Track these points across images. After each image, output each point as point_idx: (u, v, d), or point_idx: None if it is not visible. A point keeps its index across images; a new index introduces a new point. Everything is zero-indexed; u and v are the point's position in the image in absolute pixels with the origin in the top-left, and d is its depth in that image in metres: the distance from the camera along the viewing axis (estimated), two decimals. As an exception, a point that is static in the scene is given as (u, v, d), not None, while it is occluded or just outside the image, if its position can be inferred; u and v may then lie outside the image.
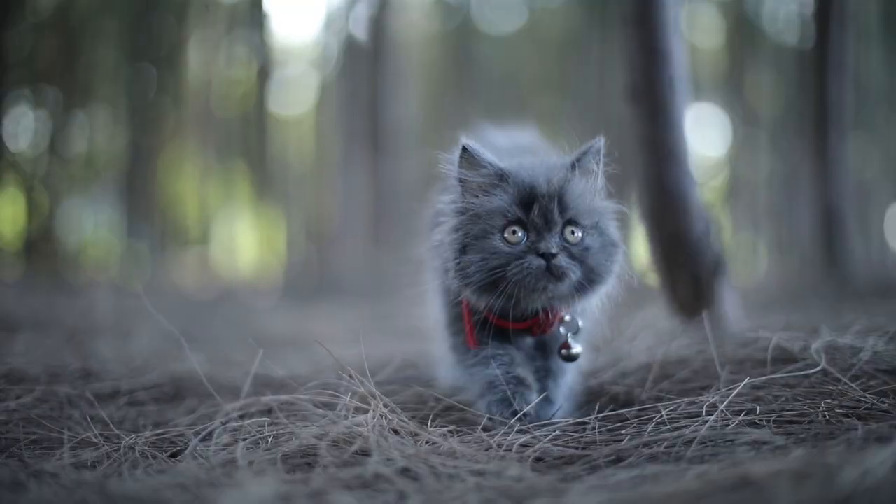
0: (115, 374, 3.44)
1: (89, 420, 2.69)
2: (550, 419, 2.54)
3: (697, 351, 3.07)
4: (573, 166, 2.42)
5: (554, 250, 2.30)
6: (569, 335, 2.56)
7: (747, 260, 17.99)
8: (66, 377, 3.33)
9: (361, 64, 15.09)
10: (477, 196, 2.41)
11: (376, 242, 14.00)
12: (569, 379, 2.68)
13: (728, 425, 2.29)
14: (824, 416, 2.32)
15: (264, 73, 17.30)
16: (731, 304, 3.93)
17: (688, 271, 3.86)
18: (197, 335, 5.50)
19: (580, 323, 2.57)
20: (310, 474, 1.99)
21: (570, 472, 2.12)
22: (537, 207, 2.33)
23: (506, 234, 2.34)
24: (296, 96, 18.41)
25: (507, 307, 2.38)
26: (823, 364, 2.67)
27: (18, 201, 14.51)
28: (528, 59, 20.34)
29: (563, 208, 2.35)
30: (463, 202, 2.44)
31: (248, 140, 17.69)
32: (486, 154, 2.42)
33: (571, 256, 2.33)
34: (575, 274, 2.33)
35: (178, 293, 12.27)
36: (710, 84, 18.46)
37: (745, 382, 2.52)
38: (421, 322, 3.10)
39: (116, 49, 16.19)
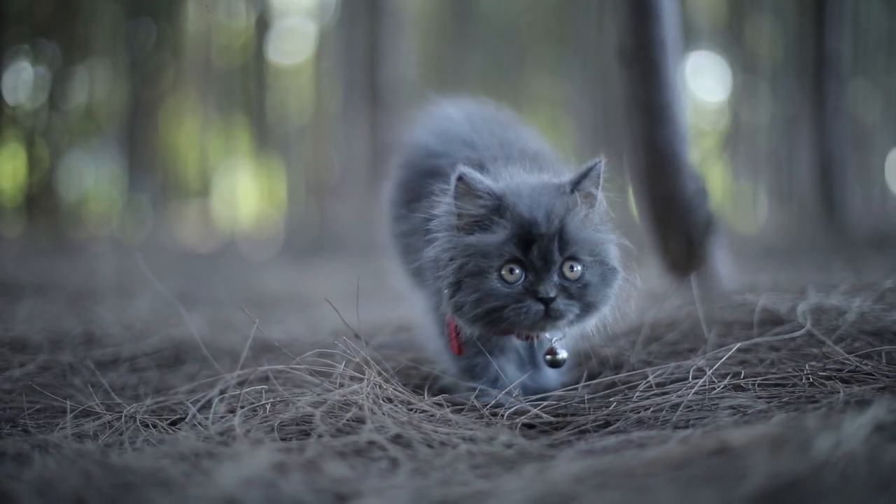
0: (117, 340, 3.50)
1: (91, 388, 2.75)
2: (542, 389, 2.58)
3: (687, 312, 3.12)
4: (573, 192, 2.28)
5: (553, 294, 2.20)
6: (554, 340, 2.48)
7: (747, 208, 18.01)
8: (68, 344, 3.39)
9: (359, 13, 15.03)
10: (470, 230, 2.29)
11: (376, 196, 14.00)
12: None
13: (714, 389, 2.35)
14: (808, 379, 2.37)
15: (263, 24, 17.26)
16: (723, 262, 3.99)
17: (680, 231, 3.91)
18: (197, 294, 5.56)
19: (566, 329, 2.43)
20: (305, 443, 2.04)
21: (559, 437, 2.19)
22: (537, 248, 2.20)
23: (503, 273, 2.22)
24: (294, 46, 18.35)
25: (503, 334, 2.41)
26: (808, 326, 2.72)
27: (19, 156, 14.51)
28: (527, 8, 20.22)
29: (563, 246, 2.22)
30: (459, 235, 2.31)
31: (248, 91, 17.68)
32: (484, 183, 2.27)
33: (570, 295, 2.23)
34: (572, 312, 2.24)
35: (178, 248, 12.33)
36: (709, 30, 18.40)
37: (734, 349, 2.56)
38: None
39: (115, 2, 16.14)
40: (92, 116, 15.90)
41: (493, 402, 2.42)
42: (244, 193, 18.41)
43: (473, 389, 2.50)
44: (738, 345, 2.60)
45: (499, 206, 2.26)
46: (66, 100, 15.11)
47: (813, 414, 2.00)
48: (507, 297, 2.21)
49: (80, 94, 15.50)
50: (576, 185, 2.29)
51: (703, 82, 18.71)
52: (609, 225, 2.39)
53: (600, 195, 2.34)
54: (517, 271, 2.22)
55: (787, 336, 2.71)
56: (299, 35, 18.37)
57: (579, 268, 2.24)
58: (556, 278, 2.22)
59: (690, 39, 17.04)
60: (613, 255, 2.34)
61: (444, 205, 2.36)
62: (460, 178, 2.26)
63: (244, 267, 9.16)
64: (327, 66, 17.07)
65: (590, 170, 2.30)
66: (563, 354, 2.48)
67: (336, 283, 6.89)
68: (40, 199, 14.47)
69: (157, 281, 3.43)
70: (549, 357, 2.48)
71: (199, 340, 2.97)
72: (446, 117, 3.00)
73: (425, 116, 3.11)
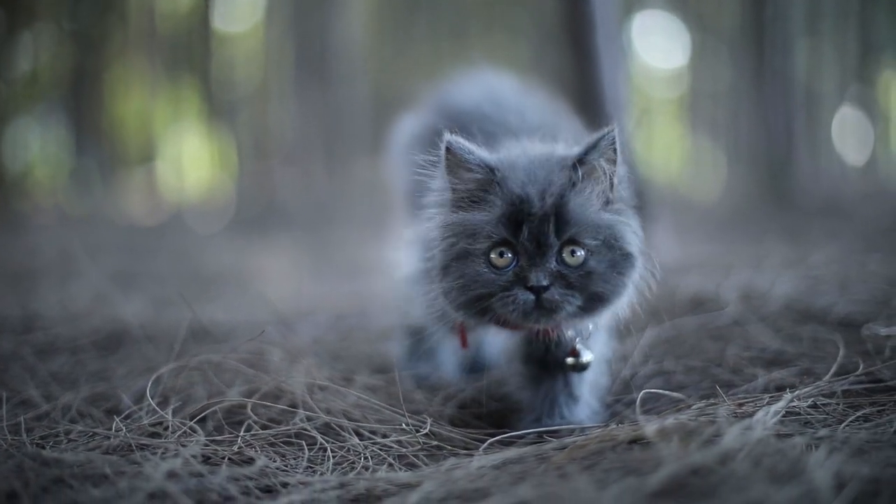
0: (57, 323, 3.53)
1: (29, 375, 2.79)
2: (580, 423, 2.25)
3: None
4: (576, 167, 1.99)
5: (545, 282, 1.93)
6: (577, 339, 2.21)
7: (706, 176, 18.12)
8: (6, 328, 3.42)
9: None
10: (462, 206, 2.05)
11: (327, 167, 14.01)
12: (589, 376, 2.31)
13: (636, 374, 2.42)
14: (728, 364, 2.46)
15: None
16: (660, 238, 4.06)
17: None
18: (141, 271, 5.58)
19: (591, 327, 2.18)
20: (235, 433, 2.11)
21: (484, 424, 2.26)
22: (527, 229, 1.94)
23: (491, 257, 1.97)
24: (243, 11, 18.18)
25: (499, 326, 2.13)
26: (734, 308, 2.80)
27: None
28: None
29: (560, 227, 1.94)
30: (450, 212, 2.07)
31: (195, 57, 17.54)
32: (475, 154, 2.02)
33: (569, 285, 1.95)
34: (572, 304, 1.95)
35: (125, 220, 12.23)
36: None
37: (645, 337, 2.63)
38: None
39: (60, -33, 15.97)
40: (38, 83, 15.75)
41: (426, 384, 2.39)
42: (192, 162, 18.29)
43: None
44: (655, 329, 2.67)
45: (491, 180, 2.00)
46: (12, 66, 14.95)
47: (729, 401, 2.07)
48: (495, 284, 1.97)
49: (25, 60, 15.33)
50: (581, 158, 1.99)
51: (659, 44, 18.73)
52: (625, 205, 2.10)
53: (616, 170, 2.04)
54: (508, 255, 1.96)
55: (714, 313, 2.78)
56: (248, 1, 18.22)
57: (581, 253, 1.96)
58: (552, 265, 1.94)
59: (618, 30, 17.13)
60: (630, 239, 2.04)
61: (435, 179, 2.11)
62: (449, 149, 2.01)
63: (191, 240, 9.13)
64: (277, 31, 16.95)
65: (599, 140, 2.00)
66: (588, 356, 2.22)
67: (282, 261, 6.92)
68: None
69: (101, 257, 3.47)
70: (570, 360, 2.21)
71: (137, 325, 3.01)
72: (497, 82, 2.75)
73: (468, 78, 2.80)
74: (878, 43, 15.70)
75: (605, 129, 1.99)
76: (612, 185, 2.03)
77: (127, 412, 2.34)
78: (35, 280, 4.92)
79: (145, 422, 2.20)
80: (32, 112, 16.14)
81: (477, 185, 2.01)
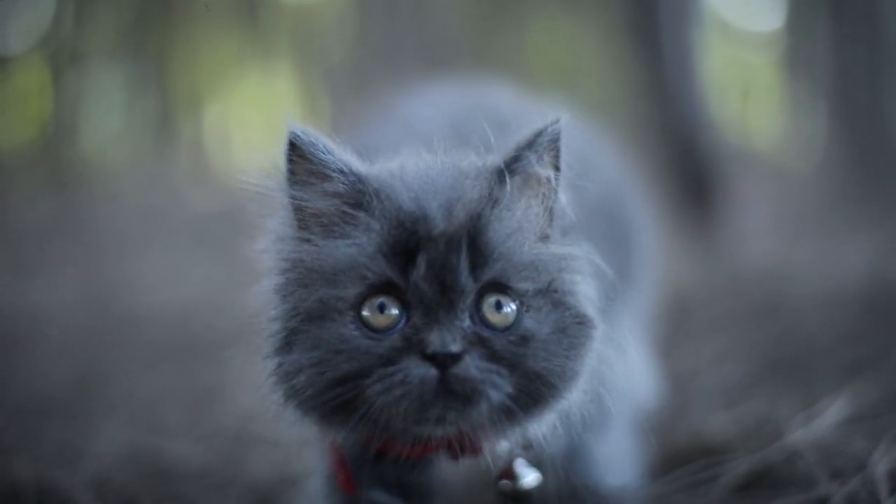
0: (159, 327, 3.77)
1: (141, 379, 3.00)
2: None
3: (701, 281, 3.24)
4: (503, 174, 1.28)
5: (454, 347, 1.17)
6: (514, 452, 1.43)
7: (803, 144, 17.80)
8: (113, 331, 3.67)
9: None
10: (315, 234, 1.29)
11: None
12: (622, 441, 1.70)
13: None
14: (795, 353, 2.55)
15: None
16: (748, 218, 4.14)
17: (680, 179, 4.07)
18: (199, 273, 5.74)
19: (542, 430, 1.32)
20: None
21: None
22: (425, 261, 1.20)
23: (364, 313, 1.21)
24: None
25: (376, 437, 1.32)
26: (803, 291, 2.91)
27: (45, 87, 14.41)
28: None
29: (478, 262, 1.22)
30: (289, 246, 1.31)
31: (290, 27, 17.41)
32: (333, 153, 1.29)
33: (493, 356, 1.20)
34: (498, 389, 1.19)
35: (188, 203, 11.99)
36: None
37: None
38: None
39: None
40: (119, 43, 15.72)
41: None
42: (261, 135, 18.24)
43: None
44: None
45: (362, 194, 1.27)
46: (89, 25, 14.97)
47: (791, 398, 2.12)
48: (371, 354, 1.20)
49: (104, 13, 15.29)
50: (509, 162, 1.29)
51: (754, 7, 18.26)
52: (577, 234, 1.36)
53: (562, 181, 1.33)
54: (392, 309, 1.21)
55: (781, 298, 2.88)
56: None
57: (512, 306, 1.23)
58: (466, 322, 1.21)
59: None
60: (584, 292, 1.32)
61: (274, 194, 1.33)
62: (294, 144, 1.28)
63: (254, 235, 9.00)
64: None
65: (535, 137, 1.29)
66: (530, 477, 1.44)
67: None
68: (51, 149, 14.42)
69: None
70: (504, 482, 1.44)
71: (235, 326, 3.18)
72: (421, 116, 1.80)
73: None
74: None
75: (547, 122, 1.30)
76: (554, 204, 1.34)
77: (235, 413, 2.53)
78: (122, 283, 5.10)
79: (252, 423, 2.39)
80: (102, 71, 16.06)
81: (341, 201, 1.28)
